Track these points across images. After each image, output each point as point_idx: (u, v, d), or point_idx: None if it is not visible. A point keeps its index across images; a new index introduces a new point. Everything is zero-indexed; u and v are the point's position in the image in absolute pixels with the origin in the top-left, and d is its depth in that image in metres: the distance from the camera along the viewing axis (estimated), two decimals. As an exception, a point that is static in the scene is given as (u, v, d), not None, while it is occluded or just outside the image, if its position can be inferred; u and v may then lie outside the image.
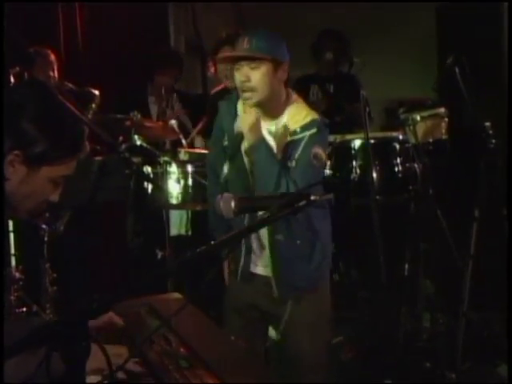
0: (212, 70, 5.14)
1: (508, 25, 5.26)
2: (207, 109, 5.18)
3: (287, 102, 3.29)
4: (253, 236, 3.31)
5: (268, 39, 3.21)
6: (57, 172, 2.00)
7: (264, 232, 3.27)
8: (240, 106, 3.35)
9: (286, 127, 3.25)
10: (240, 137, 3.29)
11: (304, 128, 3.20)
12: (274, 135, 3.26)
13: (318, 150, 3.18)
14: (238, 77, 3.21)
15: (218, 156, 3.46)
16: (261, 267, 3.36)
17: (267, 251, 3.30)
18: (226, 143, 3.41)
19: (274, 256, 3.29)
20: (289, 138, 3.22)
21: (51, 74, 5.58)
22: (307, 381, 3.39)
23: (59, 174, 2.01)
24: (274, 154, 3.19)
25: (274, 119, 3.28)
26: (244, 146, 3.26)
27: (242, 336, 3.31)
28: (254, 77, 3.17)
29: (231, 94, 3.54)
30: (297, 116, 3.25)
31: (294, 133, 3.21)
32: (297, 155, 3.19)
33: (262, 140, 3.19)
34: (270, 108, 3.26)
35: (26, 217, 2.09)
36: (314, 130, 3.20)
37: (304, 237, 3.28)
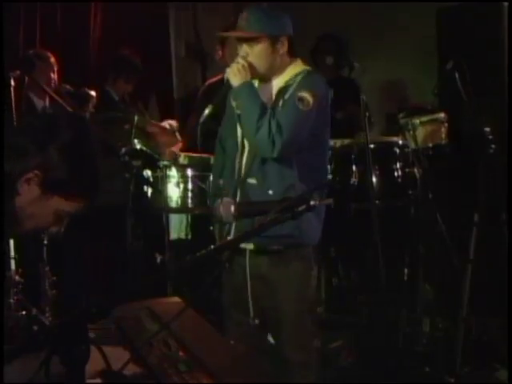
0: (219, 53, 5.13)
1: (508, 26, 5.25)
2: (199, 99, 5.16)
3: (288, 65, 3.44)
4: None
5: (265, 16, 3.38)
6: (65, 206, 2.02)
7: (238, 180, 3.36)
8: None
9: (280, 80, 3.41)
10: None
11: (295, 75, 3.37)
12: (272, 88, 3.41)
13: (304, 94, 3.29)
14: (240, 52, 3.39)
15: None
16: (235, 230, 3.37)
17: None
18: (225, 123, 3.60)
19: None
20: (282, 85, 3.37)
21: (52, 76, 5.58)
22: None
23: (66, 209, 2.03)
24: (257, 96, 3.31)
25: (275, 78, 3.42)
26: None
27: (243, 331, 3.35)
28: (251, 52, 3.36)
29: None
30: (292, 70, 3.41)
31: (287, 82, 3.36)
32: (285, 97, 3.31)
33: (247, 83, 3.33)
34: (270, 75, 3.42)
35: (20, 232, 2.10)
36: (302, 75, 3.37)
37: (277, 187, 3.28)
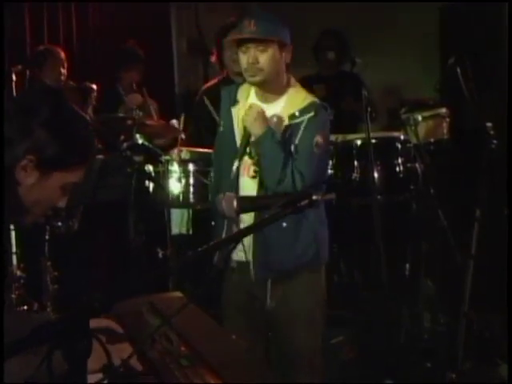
0: (214, 57, 5.11)
1: (508, 25, 5.25)
2: (195, 106, 5.15)
3: (287, 86, 3.37)
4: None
5: (273, 21, 3.31)
6: (67, 178, 2.00)
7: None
8: (241, 91, 3.44)
9: (284, 110, 3.31)
10: (232, 127, 3.38)
11: (302, 111, 3.27)
12: (273, 118, 3.31)
13: (319, 138, 3.24)
14: (246, 59, 3.27)
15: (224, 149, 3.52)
16: (241, 252, 3.34)
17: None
18: (221, 128, 3.49)
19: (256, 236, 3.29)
20: (287, 122, 3.27)
21: (62, 71, 5.60)
22: (298, 371, 3.40)
23: (70, 180, 2.02)
24: (279, 145, 3.22)
25: (273, 102, 3.35)
26: (250, 139, 3.30)
27: (243, 331, 3.33)
28: (262, 58, 3.25)
29: (230, 86, 3.61)
30: (295, 99, 3.33)
31: (293, 116, 3.27)
32: (297, 141, 3.25)
33: (270, 131, 3.23)
34: (271, 90, 3.34)
35: (30, 222, 2.08)
36: (312, 113, 3.26)
37: (290, 220, 3.24)
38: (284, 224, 3.24)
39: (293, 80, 3.41)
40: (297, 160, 3.20)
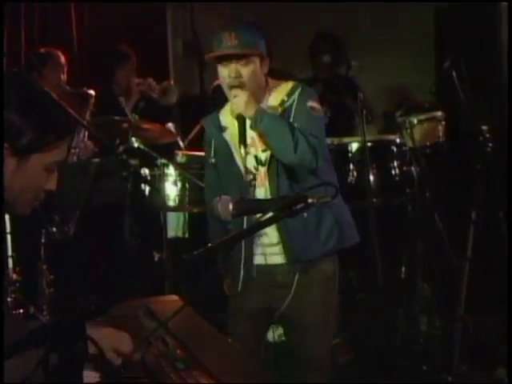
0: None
1: (508, 26, 5.25)
2: (210, 103, 5.14)
3: (267, 90, 3.34)
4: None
5: (254, 33, 3.26)
6: (48, 158, 1.98)
7: None
8: (223, 117, 3.40)
9: (272, 106, 3.29)
10: (228, 147, 3.33)
11: (290, 94, 3.27)
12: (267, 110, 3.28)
13: (312, 103, 3.25)
14: (227, 73, 3.22)
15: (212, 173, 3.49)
16: (261, 255, 3.32)
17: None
18: (212, 160, 3.43)
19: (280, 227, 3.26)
20: (280, 109, 3.26)
21: (62, 75, 5.59)
22: (311, 363, 3.39)
23: (51, 160, 1.99)
24: (277, 116, 3.22)
25: (264, 100, 3.32)
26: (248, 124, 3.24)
27: (248, 340, 3.33)
28: (244, 72, 3.20)
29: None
30: (278, 93, 3.31)
31: (283, 102, 3.27)
32: (293, 114, 3.23)
33: (261, 108, 3.21)
34: (258, 97, 3.28)
35: (24, 211, 2.07)
36: (299, 90, 3.27)
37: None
38: (305, 214, 3.19)
39: (270, 80, 3.37)
40: (301, 127, 3.17)
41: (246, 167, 3.28)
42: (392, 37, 6.67)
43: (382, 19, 6.67)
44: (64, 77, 5.60)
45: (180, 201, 4.57)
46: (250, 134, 3.28)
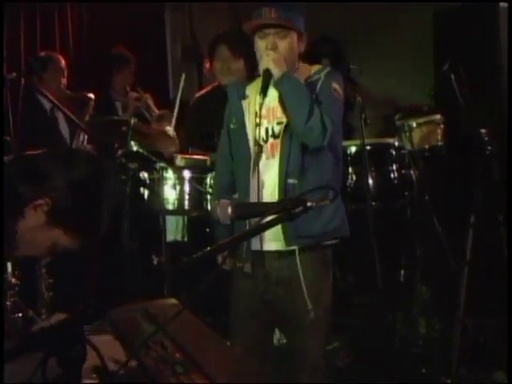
0: (207, 65, 5.11)
1: (508, 27, 5.24)
2: (188, 113, 5.15)
3: (297, 69, 3.38)
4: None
5: (293, 10, 3.33)
6: (64, 241, 2.03)
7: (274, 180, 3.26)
8: (249, 88, 3.44)
9: (302, 77, 3.33)
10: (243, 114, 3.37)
11: (317, 72, 3.35)
12: None
13: (335, 85, 3.30)
14: (265, 45, 3.28)
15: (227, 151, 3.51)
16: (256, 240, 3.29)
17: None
18: (232, 126, 3.46)
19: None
20: (305, 83, 3.30)
21: (62, 79, 5.59)
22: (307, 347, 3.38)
23: (63, 244, 2.04)
24: (303, 83, 3.27)
25: None
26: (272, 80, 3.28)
27: (252, 337, 3.32)
28: (281, 45, 3.27)
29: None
30: (306, 71, 3.38)
31: (309, 77, 3.33)
32: (317, 90, 3.27)
33: (289, 71, 3.26)
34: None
35: (15, 256, 2.10)
36: (327, 70, 3.35)
37: (317, 183, 3.23)
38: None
39: (301, 64, 3.43)
40: (320, 104, 3.22)
41: (254, 138, 3.31)
42: (391, 38, 6.67)
43: (381, 21, 6.67)
44: (64, 80, 5.60)
45: (179, 204, 4.57)
46: (267, 106, 3.32)
